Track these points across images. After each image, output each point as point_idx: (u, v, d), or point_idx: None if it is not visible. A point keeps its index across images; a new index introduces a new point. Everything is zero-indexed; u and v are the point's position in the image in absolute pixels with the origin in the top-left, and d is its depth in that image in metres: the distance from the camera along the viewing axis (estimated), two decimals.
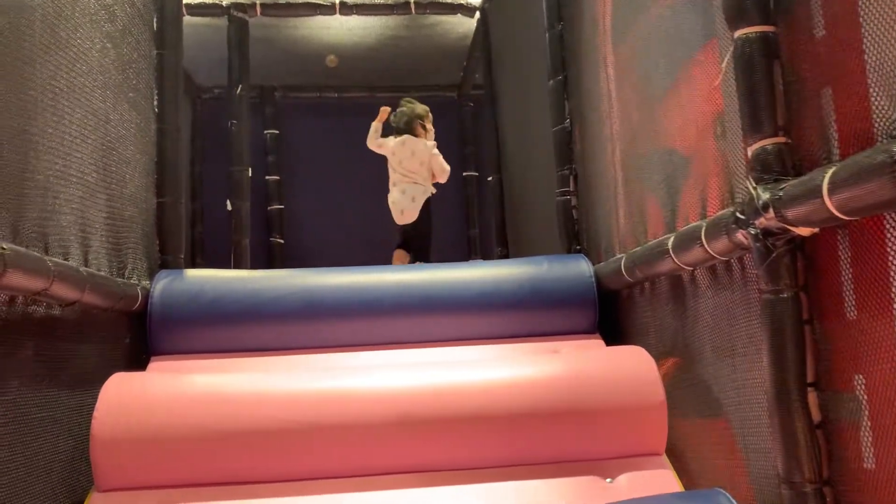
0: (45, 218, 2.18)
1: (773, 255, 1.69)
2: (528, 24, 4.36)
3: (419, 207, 4.59)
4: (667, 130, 2.48)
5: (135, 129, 3.08)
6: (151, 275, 3.12)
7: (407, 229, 4.65)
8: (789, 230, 1.66)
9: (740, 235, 1.84)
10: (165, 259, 3.29)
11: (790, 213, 1.61)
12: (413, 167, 4.65)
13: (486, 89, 5.98)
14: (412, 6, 5.52)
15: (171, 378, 2.44)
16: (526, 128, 4.78)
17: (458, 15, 5.73)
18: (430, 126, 4.79)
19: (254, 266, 5.78)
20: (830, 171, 1.44)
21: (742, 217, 1.79)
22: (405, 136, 4.72)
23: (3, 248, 1.78)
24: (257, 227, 6.45)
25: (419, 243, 4.63)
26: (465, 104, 7.66)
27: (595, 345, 2.91)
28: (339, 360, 2.79)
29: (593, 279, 3.03)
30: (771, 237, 1.70)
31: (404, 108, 4.83)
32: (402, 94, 7.57)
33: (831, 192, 1.44)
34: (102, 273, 2.55)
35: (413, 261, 4.60)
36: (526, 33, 4.50)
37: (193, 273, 3.03)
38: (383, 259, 7.30)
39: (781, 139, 1.72)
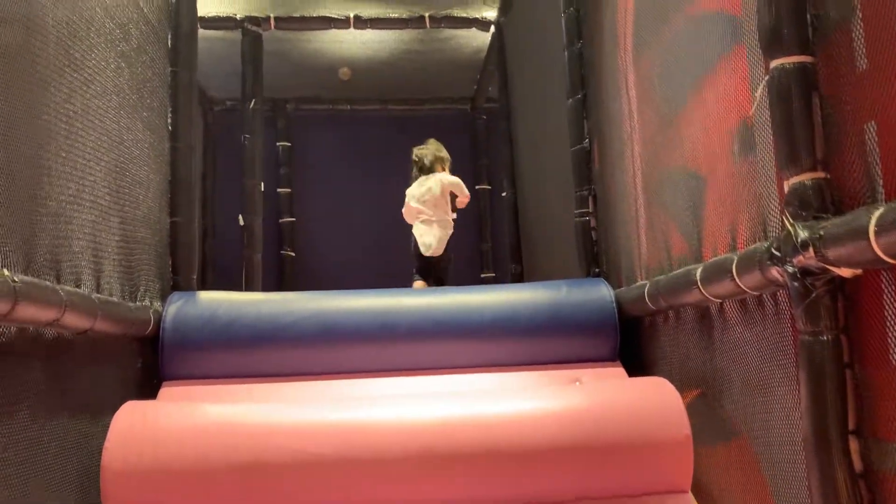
0: (58, 245, 2.13)
1: (813, 295, 1.62)
2: (545, 38, 4.31)
3: (444, 242, 4.74)
4: (692, 155, 2.42)
5: (148, 148, 3.04)
6: (164, 296, 3.07)
7: (428, 259, 4.77)
8: (830, 270, 1.59)
9: (775, 272, 1.77)
10: (177, 280, 3.24)
11: (831, 254, 1.54)
12: (432, 202, 4.78)
13: (500, 103, 5.93)
14: (427, 20, 5.48)
15: (183, 408, 2.38)
16: (542, 143, 4.73)
17: (473, 29, 5.68)
18: (447, 171, 4.96)
19: (265, 280, 5.75)
20: (878, 213, 1.37)
21: (778, 254, 1.72)
22: (422, 177, 4.85)
23: (14, 281, 1.73)
24: (269, 239, 6.41)
25: (440, 272, 4.77)
26: (478, 117, 7.63)
27: (616, 374, 2.84)
28: (354, 388, 2.72)
29: (614, 305, 2.96)
30: (810, 277, 1.63)
31: (430, 147, 4.96)
32: (415, 106, 7.60)
33: (878, 234, 1.37)
34: (114, 299, 2.50)
35: (432, 285, 4.72)
36: (542, 48, 4.45)
37: (206, 296, 2.98)
38: (395, 272, 7.25)
39: (820, 174, 1.65)
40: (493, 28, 5.71)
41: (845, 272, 1.57)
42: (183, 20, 3.44)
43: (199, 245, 6.54)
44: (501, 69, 5.79)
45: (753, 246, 1.92)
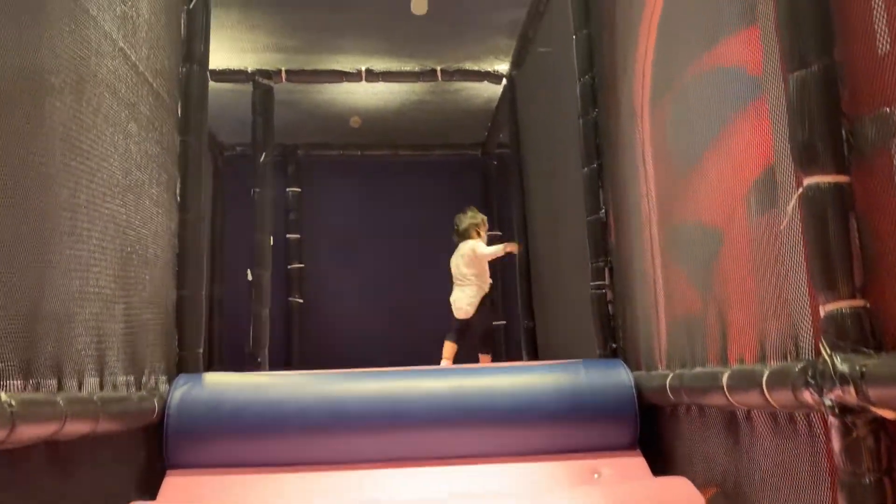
0: (60, 347, 2.06)
1: (853, 435, 1.53)
2: (559, 97, 4.26)
3: (475, 306, 5.18)
4: (719, 251, 2.33)
5: (156, 226, 2.98)
6: (169, 374, 3.00)
7: (463, 323, 5.18)
8: (872, 410, 1.49)
9: (809, 397, 1.67)
10: (183, 355, 3.17)
11: (874, 394, 1.45)
12: (464, 268, 5.27)
13: (512, 155, 5.87)
14: (439, 74, 5.45)
15: None
16: (555, 202, 4.65)
17: (485, 82, 5.64)
18: (483, 233, 5.47)
19: (273, 329, 5.65)
20: None
21: (813, 382, 1.63)
22: (460, 243, 5.37)
23: (11, 406, 1.66)
24: (276, 286, 6.32)
25: (479, 339, 5.26)
26: (489, 162, 7.57)
27: (636, 465, 2.73)
28: (364, 481, 2.62)
29: (634, 391, 2.86)
30: (849, 414, 1.54)
31: (466, 214, 5.46)
32: (426, 152, 7.56)
33: None
34: (119, 393, 2.42)
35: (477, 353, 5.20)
36: (556, 106, 4.40)
37: (212, 379, 2.90)
38: (405, 317, 7.20)
39: (859, 302, 1.57)
40: (504, 81, 5.67)
41: (889, 414, 1.47)
42: (193, 89, 3.40)
43: (209, 290, 6.51)
44: (513, 122, 5.74)
45: (786, 364, 1.82)
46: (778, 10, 1.75)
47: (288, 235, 7.27)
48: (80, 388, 2.17)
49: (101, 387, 2.32)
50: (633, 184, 3.13)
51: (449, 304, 5.32)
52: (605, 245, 3.48)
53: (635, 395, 2.86)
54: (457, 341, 5.11)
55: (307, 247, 7.39)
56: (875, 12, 1.53)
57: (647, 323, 2.97)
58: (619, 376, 2.93)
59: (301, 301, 7.23)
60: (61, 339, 2.07)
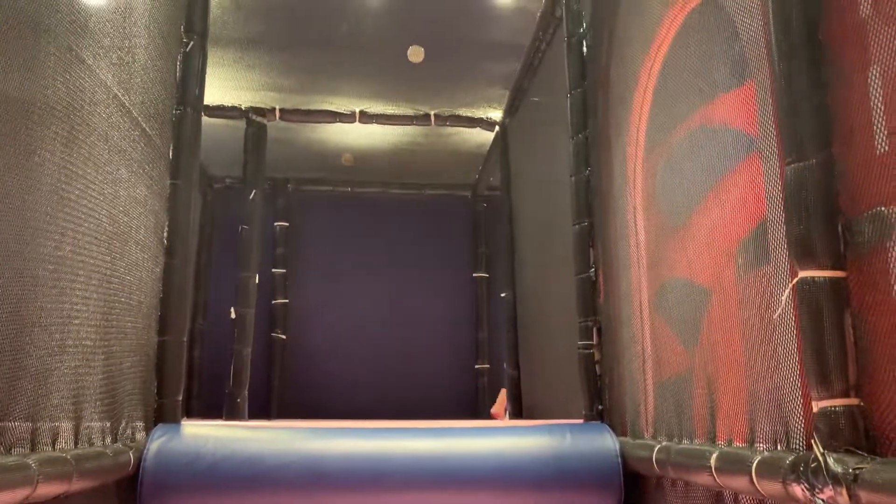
0: (36, 405, 2.00)
1: None
2: (551, 150, 4.27)
3: None
4: (707, 310, 2.32)
5: (141, 272, 2.93)
6: (147, 423, 2.93)
7: None
8: None
9: (800, 493, 1.65)
10: (162, 403, 3.10)
11: (866, 498, 1.43)
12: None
13: (503, 201, 5.87)
14: (432, 118, 5.46)
15: None
16: (543, 256, 4.65)
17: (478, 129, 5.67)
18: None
19: (254, 364, 5.56)
20: None
21: (804, 478, 1.61)
22: None
23: None
24: (259, 321, 6.24)
25: None
26: (479, 204, 7.58)
27: None
28: None
29: (619, 459, 2.82)
30: None
31: None
32: (417, 191, 7.56)
33: None
34: (94, 449, 2.36)
35: None
36: (548, 155, 4.41)
37: (190, 431, 2.84)
38: (387, 357, 7.14)
39: (853, 401, 1.55)
40: (497, 128, 5.69)
41: None
42: (186, 132, 3.38)
43: (190, 325, 6.43)
44: (504, 168, 5.75)
45: (776, 453, 1.80)
46: (777, 101, 1.76)
47: (274, 270, 7.20)
48: (53, 445, 2.10)
49: (76, 442, 2.26)
50: (623, 244, 3.13)
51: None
52: (594, 304, 3.46)
53: (620, 463, 2.82)
54: None
55: (292, 282, 7.33)
56: (874, 112, 1.53)
57: (634, 386, 2.94)
58: (605, 442, 2.90)
59: (284, 337, 7.15)
60: (38, 396, 2.01)
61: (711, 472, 2.08)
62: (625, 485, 2.80)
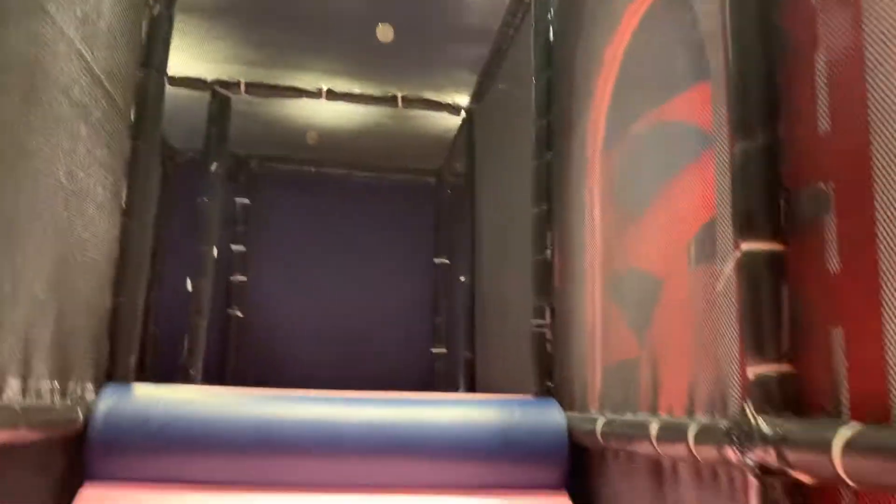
0: None
1: (771, 496, 1.58)
2: (515, 136, 4.32)
3: None
4: (659, 299, 2.39)
5: (97, 230, 2.91)
6: (98, 383, 2.91)
7: None
8: (790, 474, 1.54)
9: (732, 455, 1.72)
10: (114, 364, 3.08)
11: (792, 457, 1.50)
12: None
13: (465, 189, 5.91)
14: (399, 100, 5.47)
15: None
16: (504, 240, 4.70)
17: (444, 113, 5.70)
18: None
19: (209, 341, 5.54)
20: (845, 438, 1.34)
21: (737, 441, 1.68)
22: None
23: None
24: (217, 298, 6.19)
25: None
26: (443, 190, 7.61)
27: None
28: None
29: (566, 433, 2.89)
30: (769, 475, 1.59)
31: None
32: (381, 174, 7.58)
33: (844, 455, 1.34)
34: (42, 402, 2.34)
35: None
36: (512, 144, 4.47)
37: (142, 392, 2.83)
38: (344, 339, 7.15)
39: (786, 367, 1.63)
40: (463, 113, 5.73)
41: (805, 478, 1.53)
42: (149, 94, 3.35)
43: (146, 295, 6.36)
44: (469, 154, 5.79)
45: (713, 420, 1.88)
46: (728, 82, 1.83)
47: (233, 246, 7.16)
48: (0, 394, 2.09)
49: (24, 394, 2.25)
50: (579, 228, 3.20)
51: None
52: (549, 285, 3.52)
53: (567, 436, 2.90)
54: None
55: (252, 259, 7.28)
56: (818, 93, 1.60)
57: (583, 365, 3.02)
58: (553, 416, 2.96)
59: (241, 315, 7.11)
60: None
61: (652, 440, 2.15)
62: (571, 456, 2.88)
